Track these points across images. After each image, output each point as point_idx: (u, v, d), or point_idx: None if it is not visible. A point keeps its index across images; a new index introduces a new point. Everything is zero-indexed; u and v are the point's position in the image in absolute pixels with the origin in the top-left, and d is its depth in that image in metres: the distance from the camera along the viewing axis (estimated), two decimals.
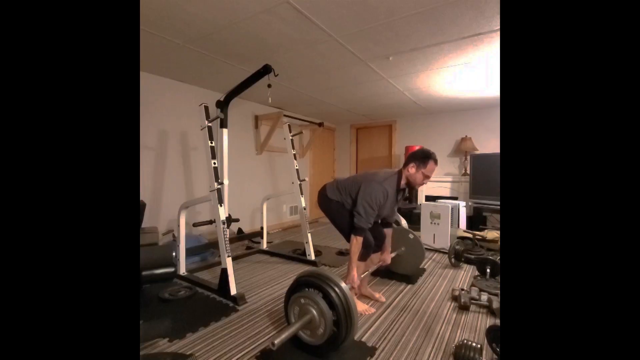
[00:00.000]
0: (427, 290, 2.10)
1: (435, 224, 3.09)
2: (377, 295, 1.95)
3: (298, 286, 1.37)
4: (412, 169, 1.70)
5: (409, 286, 2.17)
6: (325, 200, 1.87)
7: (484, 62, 2.44)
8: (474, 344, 1.24)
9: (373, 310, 1.78)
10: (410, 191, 1.88)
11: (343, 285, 1.29)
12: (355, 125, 5.46)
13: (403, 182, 1.75)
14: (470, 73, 2.72)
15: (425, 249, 3.14)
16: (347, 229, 1.74)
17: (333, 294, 1.26)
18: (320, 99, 3.69)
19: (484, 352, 1.30)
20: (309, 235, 2.70)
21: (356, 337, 1.49)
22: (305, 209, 2.70)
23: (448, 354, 1.37)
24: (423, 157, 1.69)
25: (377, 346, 1.42)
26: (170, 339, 1.47)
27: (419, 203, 4.29)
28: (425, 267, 2.61)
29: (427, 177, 1.70)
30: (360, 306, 1.78)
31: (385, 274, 2.40)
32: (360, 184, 1.71)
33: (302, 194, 2.73)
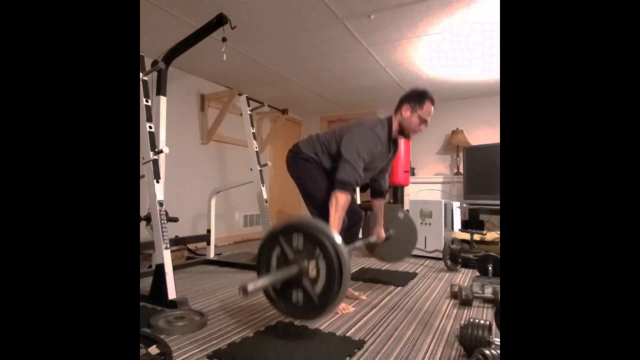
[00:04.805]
0: (420, 291, 2.15)
1: (426, 224, 3.21)
2: (356, 294, 1.98)
3: (283, 233, 1.36)
4: (406, 112, 1.76)
5: (398, 288, 2.22)
6: (295, 160, 1.85)
7: (476, 31, 2.67)
8: (482, 322, 1.29)
9: (352, 308, 1.79)
10: (396, 145, 1.94)
11: (333, 233, 1.31)
12: (326, 118, 5.60)
13: (395, 128, 1.80)
14: (459, 45, 2.96)
15: (416, 256, 3.25)
16: (324, 201, 1.74)
17: (326, 242, 1.26)
18: (285, 75, 3.77)
19: (493, 330, 1.35)
20: None
21: (338, 333, 1.49)
22: (266, 201, 2.68)
23: (451, 343, 1.40)
24: (418, 97, 1.75)
25: (365, 340, 1.43)
26: None
27: (406, 209, 4.43)
28: (416, 271, 2.67)
29: (424, 121, 1.77)
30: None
31: (368, 277, 2.43)
32: (343, 134, 1.75)
33: (263, 183, 2.71)
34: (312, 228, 1.30)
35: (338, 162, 1.69)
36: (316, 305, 1.28)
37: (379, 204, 2.08)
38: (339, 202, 1.62)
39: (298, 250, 1.33)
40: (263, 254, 1.39)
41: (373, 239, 2.10)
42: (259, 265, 1.40)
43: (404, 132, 1.80)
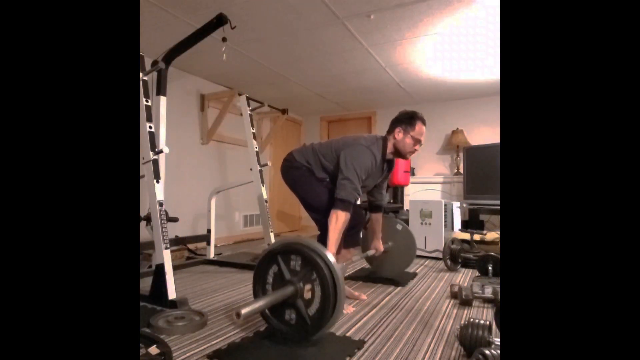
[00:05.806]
0: (420, 291, 2.15)
1: (426, 224, 3.21)
2: (356, 293, 1.98)
3: (282, 254, 1.36)
4: (399, 134, 1.78)
5: (398, 288, 2.22)
6: (289, 168, 1.87)
7: (476, 31, 2.67)
8: (482, 322, 1.29)
9: (352, 308, 1.79)
10: (391, 165, 1.96)
11: (331, 259, 1.29)
12: (326, 118, 5.59)
13: (389, 150, 1.83)
14: (459, 45, 2.96)
15: (416, 256, 3.25)
16: (324, 206, 1.75)
17: (324, 268, 1.26)
18: (285, 75, 3.77)
19: (493, 330, 1.35)
20: (272, 236, 2.66)
21: (338, 334, 1.49)
22: (266, 201, 2.68)
23: (451, 343, 1.40)
24: (409, 119, 1.79)
25: (365, 340, 1.43)
26: None
27: (406, 209, 4.43)
28: (416, 271, 2.68)
29: (417, 141, 1.79)
30: None
31: (367, 277, 2.43)
32: (339, 148, 1.76)
33: (263, 183, 2.71)
34: (311, 251, 1.30)
35: (337, 179, 1.70)
36: (308, 326, 1.28)
37: (377, 218, 2.09)
38: (339, 220, 1.62)
39: (295, 270, 1.33)
40: (260, 270, 1.40)
41: (371, 252, 2.11)
42: (255, 281, 1.41)
43: (399, 153, 1.82)
